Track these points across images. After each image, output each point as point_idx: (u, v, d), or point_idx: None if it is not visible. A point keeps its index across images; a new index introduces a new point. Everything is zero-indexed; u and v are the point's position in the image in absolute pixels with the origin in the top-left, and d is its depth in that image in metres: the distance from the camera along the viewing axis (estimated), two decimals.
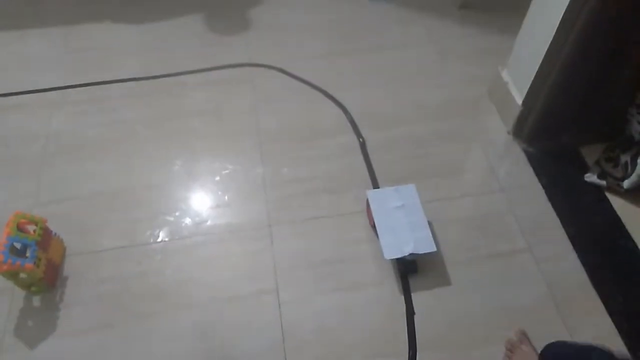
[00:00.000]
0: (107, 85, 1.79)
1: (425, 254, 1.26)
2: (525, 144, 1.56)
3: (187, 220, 1.44)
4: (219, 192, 1.50)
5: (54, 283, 1.33)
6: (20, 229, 1.26)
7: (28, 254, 1.23)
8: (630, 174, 1.34)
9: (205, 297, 1.30)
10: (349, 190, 1.49)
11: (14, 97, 1.76)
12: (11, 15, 2.03)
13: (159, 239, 1.41)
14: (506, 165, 1.53)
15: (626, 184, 1.36)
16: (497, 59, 1.69)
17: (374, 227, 1.34)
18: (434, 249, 1.26)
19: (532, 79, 1.41)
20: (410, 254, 1.25)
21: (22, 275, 1.22)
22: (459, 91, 1.71)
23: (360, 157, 1.56)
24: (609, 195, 1.41)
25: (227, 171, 1.55)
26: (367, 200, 1.37)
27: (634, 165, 1.34)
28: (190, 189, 1.52)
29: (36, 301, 1.31)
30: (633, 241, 1.33)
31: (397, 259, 1.28)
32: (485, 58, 1.78)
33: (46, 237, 1.29)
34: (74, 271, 1.36)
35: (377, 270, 1.33)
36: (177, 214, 1.46)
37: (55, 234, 1.36)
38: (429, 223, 1.34)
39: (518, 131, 1.56)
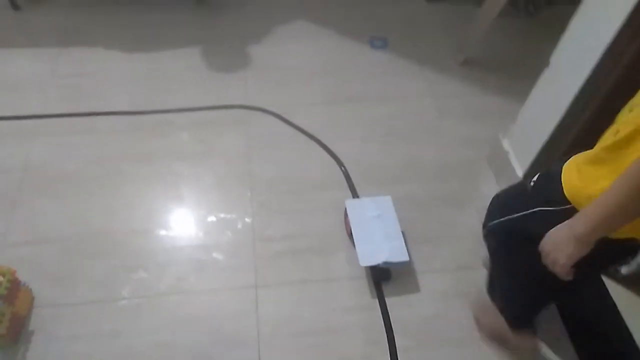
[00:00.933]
0: (93, 118, 1.70)
1: (398, 262, 1.31)
2: None
3: (168, 275, 1.36)
4: (206, 244, 1.42)
5: (17, 339, 1.23)
6: None
7: None
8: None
9: None
10: (339, 251, 1.43)
11: None
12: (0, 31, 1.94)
13: (136, 295, 1.32)
14: None
15: (624, 269, 1.33)
16: (496, 122, 1.67)
17: (350, 235, 1.37)
18: (407, 258, 1.31)
19: (537, 152, 1.38)
20: (385, 262, 1.30)
21: None
22: (456, 152, 1.68)
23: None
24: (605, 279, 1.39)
25: (214, 219, 1.48)
26: (345, 210, 1.40)
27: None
28: (174, 238, 1.44)
29: None
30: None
31: (372, 267, 1.33)
32: (485, 119, 1.76)
33: (13, 290, 1.20)
34: (41, 326, 1.26)
35: (366, 346, 1.27)
36: (157, 266, 1.37)
37: (24, 283, 1.27)
38: (403, 233, 1.37)
39: None
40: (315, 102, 1.80)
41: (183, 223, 1.47)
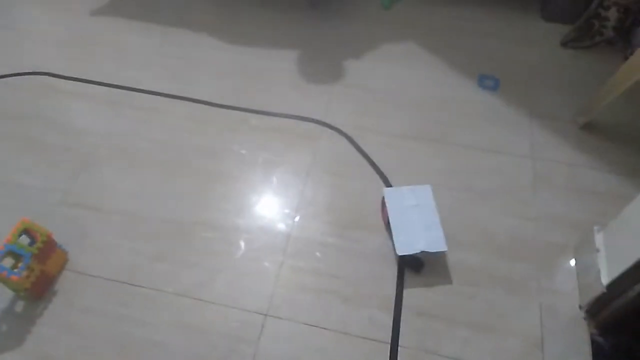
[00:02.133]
0: (177, 101, 1.75)
1: (434, 253, 1.30)
2: (597, 330, 1.25)
3: (191, 277, 1.34)
4: (233, 256, 1.38)
5: (42, 295, 1.30)
6: (28, 233, 1.24)
7: (20, 264, 1.20)
8: None
9: None
10: (366, 308, 1.29)
11: (90, 86, 1.78)
12: (123, 4, 2.09)
13: (155, 286, 1.33)
14: (561, 346, 1.24)
15: None
16: (599, 206, 1.41)
17: (387, 225, 1.38)
18: (445, 248, 1.30)
19: (631, 265, 1.10)
20: (421, 252, 1.29)
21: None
22: (540, 229, 1.42)
23: (394, 271, 1.35)
24: None
25: (250, 234, 1.42)
26: (383, 199, 1.40)
27: None
28: (210, 241, 1.41)
29: (19, 306, 1.29)
30: None
31: (406, 256, 1.31)
32: (587, 200, 1.47)
33: (47, 250, 1.26)
34: (65, 289, 1.32)
35: None
36: (184, 265, 1.36)
37: (61, 245, 1.33)
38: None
39: (592, 312, 1.25)
40: (396, 133, 1.65)
41: (221, 228, 1.44)
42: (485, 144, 1.62)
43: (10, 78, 1.80)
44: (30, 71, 1.82)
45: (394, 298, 1.31)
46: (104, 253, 1.38)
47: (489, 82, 1.81)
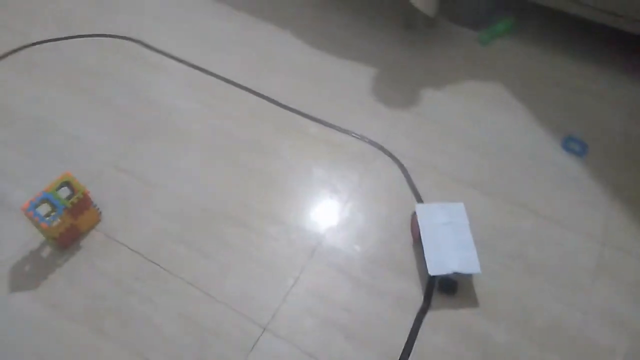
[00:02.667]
0: (242, 91, 1.75)
1: (467, 275, 1.27)
2: None
3: (204, 268, 1.33)
4: (251, 258, 1.35)
5: (68, 246, 1.35)
6: (70, 186, 1.30)
7: (53, 214, 1.25)
8: None
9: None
10: (369, 351, 1.20)
11: (171, 61, 1.84)
12: None
13: (170, 269, 1.33)
14: None
15: None
16: None
17: (417, 242, 1.33)
18: (479, 270, 1.24)
19: None
20: (454, 273, 1.23)
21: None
22: (587, 324, 1.25)
23: (410, 321, 1.25)
24: None
25: (275, 241, 1.39)
26: (413, 215, 1.35)
27: None
28: (231, 237, 1.39)
29: (46, 252, 1.35)
30: None
31: (439, 277, 1.28)
32: None
33: (80, 207, 1.31)
34: (90, 247, 1.36)
35: None
36: (202, 254, 1.36)
37: (95, 205, 1.38)
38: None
39: None
40: (456, 177, 1.53)
41: (247, 227, 1.41)
42: (553, 213, 1.46)
43: (104, 38, 1.91)
44: (123, 36, 1.92)
45: (401, 350, 1.20)
46: (134, 223, 1.41)
47: (575, 145, 1.63)
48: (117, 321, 1.23)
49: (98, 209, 1.39)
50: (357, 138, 1.63)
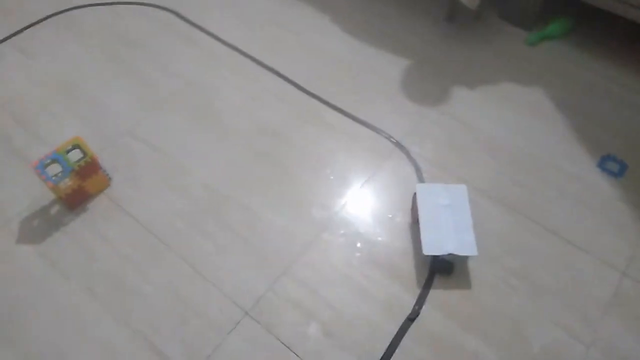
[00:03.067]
0: (266, 71, 1.73)
1: (462, 256, 1.24)
2: None
3: (201, 246, 1.34)
4: (247, 243, 1.34)
5: (75, 207, 1.40)
6: (81, 149, 1.33)
7: (60, 174, 1.29)
8: None
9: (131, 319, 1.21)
10: (346, 352, 1.17)
11: (201, 34, 1.84)
12: None
13: (167, 242, 1.34)
14: None
15: None
16: None
17: (415, 223, 1.31)
18: (476, 253, 1.21)
19: None
20: (450, 254, 1.21)
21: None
22: (589, 359, 1.15)
23: (394, 329, 1.20)
24: None
25: (272, 228, 1.37)
26: (414, 195, 1.32)
27: None
28: (231, 219, 1.39)
29: (54, 210, 1.40)
30: None
31: (434, 257, 1.26)
32: None
33: (88, 170, 1.34)
34: (95, 210, 1.40)
35: None
36: (199, 233, 1.36)
37: (105, 170, 1.41)
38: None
39: None
40: (475, 185, 1.44)
41: (248, 211, 1.40)
42: (575, 235, 1.35)
43: (143, 7, 1.94)
44: (162, 6, 1.94)
45: (380, 356, 1.16)
46: (141, 192, 1.43)
47: (613, 165, 1.49)
48: (108, 285, 1.26)
49: (108, 174, 1.43)
50: (375, 131, 1.57)
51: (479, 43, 1.82)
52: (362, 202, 1.42)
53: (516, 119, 1.60)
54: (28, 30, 1.85)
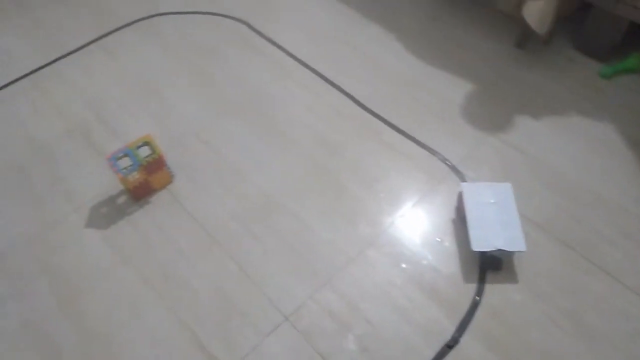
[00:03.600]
0: (328, 86, 1.77)
1: (511, 252, 1.26)
2: None
3: (249, 248, 1.39)
4: (293, 250, 1.38)
5: (140, 199, 1.50)
6: (150, 146, 1.43)
7: (130, 167, 1.40)
8: None
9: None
10: None
11: (271, 47, 1.92)
12: None
13: (218, 241, 1.41)
14: None
15: None
16: None
17: (461, 221, 1.36)
18: (524, 248, 1.24)
19: None
20: (498, 250, 1.24)
21: None
22: None
23: (429, 356, 1.18)
24: None
25: (319, 239, 1.40)
26: (459, 194, 1.37)
27: None
28: (281, 225, 1.44)
29: (121, 200, 1.51)
30: None
31: (483, 253, 1.27)
32: None
33: (154, 166, 1.44)
34: (157, 204, 1.50)
35: None
36: (250, 235, 1.42)
37: (169, 168, 1.50)
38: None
39: None
40: (530, 216, 1.40)
41: (298, 220, 1.44)
42: (634, 282, 1.28)
43: (220, 17, 2.05)
44: (237, 17, 2.05)
45: None
46: (200, 191, 1.51)
47: None
48: (162, 275, 1.34)
49: (171, 171, 1.52)
50: (431, 153, 1.57)
51: (549, 71, 1.78)
52: (411, 223, 1.42)
53: (582, 153, 1.55)
54: (116, 32, 2.01)
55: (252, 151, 1.61)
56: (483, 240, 1.26)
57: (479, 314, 1.24)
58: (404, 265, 1.34)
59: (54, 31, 2.03)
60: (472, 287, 1.28)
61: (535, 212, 1.41)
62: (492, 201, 1.32)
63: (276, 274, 1.34)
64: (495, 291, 1.27)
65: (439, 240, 1.38)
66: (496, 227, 1.28)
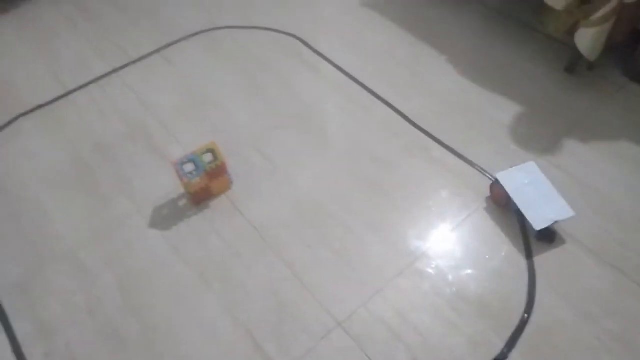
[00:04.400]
0: (380, 103, 1.83)
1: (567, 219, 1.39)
2: None
3: (302, 255, 1.45)
4: (347, 258, 1.43)
5: (199, 203, 1.58)
6: (213, 153, 1.52)
7: (194, 172, 1.48)
8: None
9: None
10: None
11: (325, 64, 2.00)
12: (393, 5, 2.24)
13: (272, 246, 1.47)
14: None
15: None
16: None
17: (503, 206, 1.48)
18: (573, 213, 1.38)
19: None
20: (554, 222, 1.38)
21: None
22: None
23: None
24: None
25: (369, 249, 1.45)
26: (496, 181, 1.47)
27: None
28: (334, 234, 1.49)
29: (182, 203, 1.60)
30: None
31: (539, 231, 1.38)
32: None
33: (217, 172, 1.52)
34: (216, 209, 1.57)
35: None
36: (302, 243, 1.48)
37: (229, 175, 1.58)
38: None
39: None
40: (576, 237, 1.43)
41: (350, 230, 1.50)
42: None
43: (275, 33, 2.15)
44: (292, 33, 2.14)
45: None
46: (256, 199, 1.59)
47: None
48: (219, 276, 1.41)
49: (231, 178, 1.60)
50: (479, 171, 1.61)
51: (598, 97, 1.80)
52: (459, 238, 1.46)
53: (629, 179, 1.56)
54: (178, 43, 2.12)
55: (304, 163, 1.67)
56: (540, 219, 1.37)
57: (528, 331, 1.27)
58: (452, 279, 1.38)
59: (119, 40, 2.16)
60: (521, 305, 1.31)
61: (584, 234, 1.44)
62: (527, 182, 1.44)
63: (328, 281, 1.39)
64: (544, 310, 1.30)
65: (487, 257, 1.42)
66: (542, 204, 1.40)
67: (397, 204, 1.55)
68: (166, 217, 1.56)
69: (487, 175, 1.60)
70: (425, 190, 1.58)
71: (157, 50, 2.10)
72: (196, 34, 2.16)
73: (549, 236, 1.41)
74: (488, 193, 1.55)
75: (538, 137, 1.70)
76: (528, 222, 1.40)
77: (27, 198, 1.63)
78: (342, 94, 1.89)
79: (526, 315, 1.29)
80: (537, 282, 1.35)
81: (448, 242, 1.46)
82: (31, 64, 2.09)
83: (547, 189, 1.43)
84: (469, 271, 1.39)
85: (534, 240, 1.43)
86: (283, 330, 1.30)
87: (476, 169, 1.62)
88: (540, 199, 1.41)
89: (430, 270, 1.40)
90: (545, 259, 1.40)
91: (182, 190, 1.61)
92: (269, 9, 2.26)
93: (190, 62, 2.04)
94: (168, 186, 1.62)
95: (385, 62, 1.99)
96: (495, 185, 1.48)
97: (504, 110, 1.78)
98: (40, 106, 1.92)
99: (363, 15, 2.21)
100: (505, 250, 1.43)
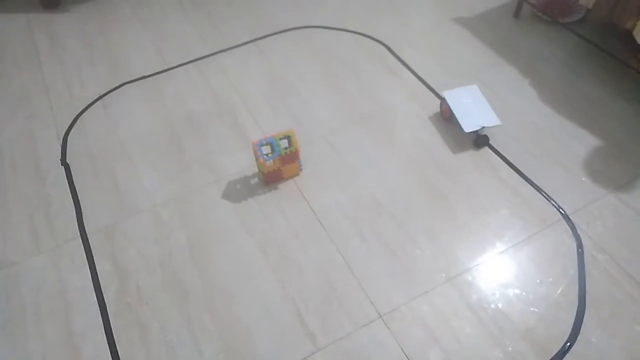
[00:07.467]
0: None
1: (493, 127, 1.74)
2: None
3: (355, 245, 1.53)
4: (394, 259, 1.50)
5: (269, 184, 1.71)
6: (289, 139, 1.64)
7: (270, 155, 1.61)
8: None
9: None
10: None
11: (407, 73, 2.06)
12: (485, 25, 2.26)
13: (329, 234, 1.57)
14: None
15: None
16: None
17: (447, 120, 1.84)
18: (499, 122, 1.73)
19: None
20: (482, 128, 1.72)
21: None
22: None
23: None
24: None
25: (420, 252, 1.50)
26: (443, 99, 1.82)
27: None
28: (385, 231, 1.56)
29: (254, 181, 1.73)
30: None
31: (475, 133, 1.74)
32: None
33: (290, 157, 1.63)
34: (283, 191, 1.69)
35: None
36: (356, 234, 1.56)
37: (300, 162, 1.69)
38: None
39: None
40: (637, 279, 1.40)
41: (404, 231, 1.56)
42: None
43: (359, 36, 2.25)
44: (378, 39, 2.22)
45: None
46: (320, 187, 1.69)
47: None
48: (277, 251, 1.53)
49: (301, 165, 1.71)
50: (545, 197, 1.61)
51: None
52: (513, 259, 1.47)
53: None
54: (272, 36, 2.28)
55: (371, 160, 1.75)
56: (470, 124, 1.72)
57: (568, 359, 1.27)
58: (499, 296, 1.40)
59: (220, 27, 2.35)
60: (565, 333, 1.31)
61: None
62: (469, 101, 1.78)
63: (376, 275, 1.46)
64: (587, 343, 1.29)
65: (538, 282, 1.42)
66: (476, 114, 1.74)
67: (457, 215, 1.59)
68: (238, 191, 1.70)
69: (553, 202, 1.59)
70: (487, 206, 1.60)
71: (253, 40, 2.27)
72: (290, 29, 2.31)
73: (483, 141, 1.74)
74: (552, 221, 1.55)
75: (614, 173, 1.66)
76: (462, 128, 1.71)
77: (123, 154, 1.83)
78: (419, 102, 1.94)
79: (568, 344, 1.29)
80: (585, 313, 1.34)
81: (501, 260, 1.48)
82: (142, 39, 2.33)
83: (484, 106, 1.77)
84: (517, 291, 1.41)
85: (473, 147, 1.75)
86: (328, 311, 1.39)
87: (542, 195, 1.62)
88: (476, 111, 1.75)
89: (478, 283, 1.43)
90: (598, 293, 1.38)
91: (255, 169, 1.74)
92: (361, 15, 2.36)
93: (280, 55, 2.19)
94: (244, 164, 1.77)
95: (467, 78, 2.02)
96: (443, 102, 1.82)
97: (582, 142, 1.76)
98: (144, 77, 2.13)
99: (452, 30, 2.25)
100: (556, 277, 1.42)
